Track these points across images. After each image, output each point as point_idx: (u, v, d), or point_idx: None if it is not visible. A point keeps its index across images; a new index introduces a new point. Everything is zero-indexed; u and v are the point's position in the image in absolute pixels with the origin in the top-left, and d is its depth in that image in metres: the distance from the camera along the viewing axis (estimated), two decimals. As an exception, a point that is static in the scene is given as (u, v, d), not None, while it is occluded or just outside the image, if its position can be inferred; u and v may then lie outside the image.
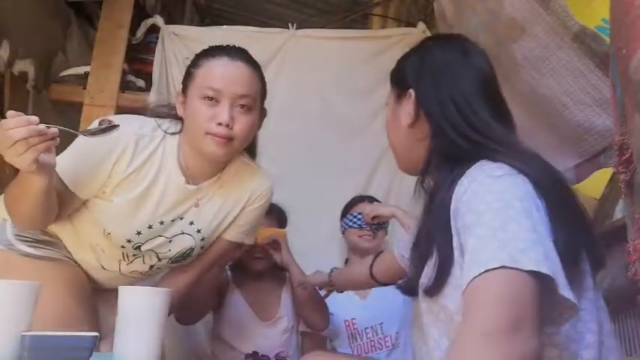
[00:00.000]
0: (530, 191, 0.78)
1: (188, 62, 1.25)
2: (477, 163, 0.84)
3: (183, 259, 1.30)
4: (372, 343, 1.77)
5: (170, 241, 1.25)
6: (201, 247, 1.30)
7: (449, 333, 0.84)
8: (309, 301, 1.73)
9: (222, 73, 1.15)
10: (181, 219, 1.24)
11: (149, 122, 1.24)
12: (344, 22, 2.80)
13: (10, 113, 0.91)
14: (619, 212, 1.52)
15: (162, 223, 1.22)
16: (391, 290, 1.78)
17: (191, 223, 1.25)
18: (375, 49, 2.37)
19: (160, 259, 1.28)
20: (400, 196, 2.19)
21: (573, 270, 0.76)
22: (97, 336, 0.82)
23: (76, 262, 1.29)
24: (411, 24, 2.48)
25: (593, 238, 0.86)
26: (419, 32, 2.34)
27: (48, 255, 1.24)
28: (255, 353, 1.68)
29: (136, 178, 1.17)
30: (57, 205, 1.12)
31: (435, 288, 0.85)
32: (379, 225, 1.88)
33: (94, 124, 1.12)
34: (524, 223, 0.73)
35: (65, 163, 1.08)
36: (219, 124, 1.11)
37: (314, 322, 1.76)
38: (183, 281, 1.32)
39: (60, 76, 2.19)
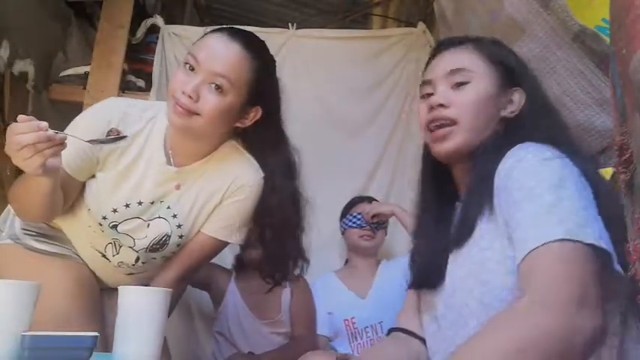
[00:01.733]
0: (579, 174, 0.79)
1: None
2: (520, 145, 0.84)
3: (160, 248, 1.26)
4: (372, 342, 1.77)
5: (148, 225, 1.22)
6: (180, 237, 1.26)
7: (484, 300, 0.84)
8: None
9: (211, 46, 1.13)
10: (161, 202, 1.22)
11: (140, 103, 1.25)
12: (344, 22, 2.80)
13: (20, 117, 0.92)
14: (619, 212, 1.52)
15: (140, 203, 1.20)
16: (391, 289, 1.79)
17: (168, 207, 1.23)
18: (375, 49, 2.37)
19: (136, 246, 1.24)
20: (400, 197, 2.19)
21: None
22: (97, 336, 0.82)
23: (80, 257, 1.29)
24: (411, 24, 2.48)
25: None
26: (419, 32, 2.34)
27: (54, 251, 1.25)
28: (250, 353, 1.69)
29: (121, 155, 1.18)
30: (62, 199, 1.13)
31: (465, 232, 0.87)
32: (379, 224, 1.88)
33: (103, 133, 1.14)
34: (578, 201, 0.74)
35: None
36: (183, 93, 1.09)
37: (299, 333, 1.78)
38: (168, 279, 1.27)
39: (60, 76, 2.20)
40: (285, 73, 2.35)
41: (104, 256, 1.28)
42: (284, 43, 2.34)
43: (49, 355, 0.78)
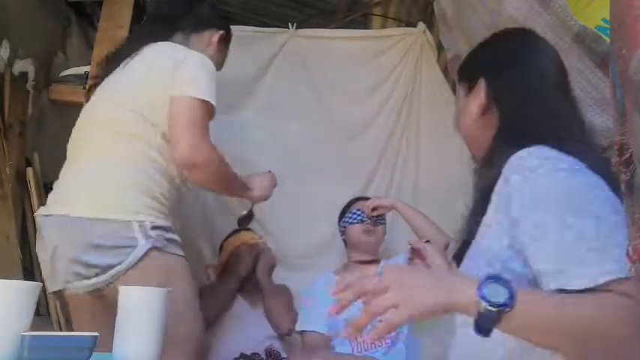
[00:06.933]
0: (598, 183, 0.77)
1: None
2: (535, 147, 0.82)
3: None
4: (371, 340, 1.77)
5: None
6: None
7: None
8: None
9: None
10: None
11: None
12: (344, 22, 2.79)
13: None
14: (619, 212, 1.52)
15: None
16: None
17: None
18: (375, 49, 2.37)
19: None
20: (399, 197, 2.19)
21: None
22: (97, 336, 0.82)
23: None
24: (411, 24, 2.47)
25: None
26: (419, 32, 2.34)
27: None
28: (243, 355, 1.70)
29: None
30: None
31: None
32: (379, 218, 1.90)
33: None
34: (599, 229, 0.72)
35: None
36: None
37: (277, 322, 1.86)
38: None
39: (60, 76, 2.19)
40: (285, 73, 2.37)
41: None
42: (284, 43, 2.35)
43: (49, 355, 0.78)
